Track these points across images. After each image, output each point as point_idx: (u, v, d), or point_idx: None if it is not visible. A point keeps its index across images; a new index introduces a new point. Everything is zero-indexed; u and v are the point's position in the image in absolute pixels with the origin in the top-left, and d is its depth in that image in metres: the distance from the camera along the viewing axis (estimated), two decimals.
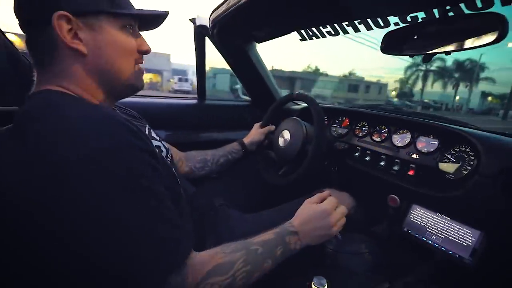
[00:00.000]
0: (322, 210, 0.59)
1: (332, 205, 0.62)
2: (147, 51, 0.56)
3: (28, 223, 0.38)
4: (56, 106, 0.42)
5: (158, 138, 0.70)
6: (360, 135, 1.06)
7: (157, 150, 0.51)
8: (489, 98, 38.88)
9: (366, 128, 1.06)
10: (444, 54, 0.60)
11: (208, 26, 1.00)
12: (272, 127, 1.09)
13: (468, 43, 0.54)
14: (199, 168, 0.95)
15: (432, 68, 33.01)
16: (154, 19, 0.58)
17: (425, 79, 33.29)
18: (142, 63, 0.57)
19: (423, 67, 32.23)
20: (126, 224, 0.39)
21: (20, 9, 0.45)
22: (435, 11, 0.62)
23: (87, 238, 0.39)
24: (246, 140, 1.06)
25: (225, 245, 0.50)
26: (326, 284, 0.53)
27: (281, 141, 0.99)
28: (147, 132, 0.68)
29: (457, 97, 35.71)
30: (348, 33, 0.90)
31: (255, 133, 1.09)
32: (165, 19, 0.59)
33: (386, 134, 0.97)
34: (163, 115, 1.24)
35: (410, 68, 33.72)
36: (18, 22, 0.46)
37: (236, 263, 0.47)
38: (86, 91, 0.49)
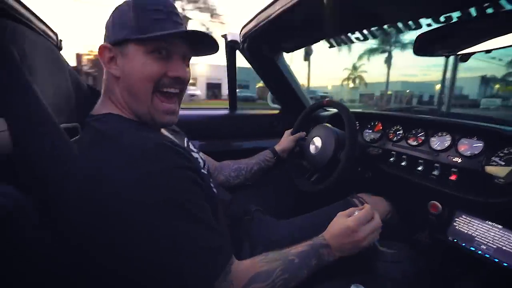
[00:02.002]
0: (347, 227, 0.59)
1: (359, 221, 0.59)
2: (178, 77, 0.54)
3: (83, 236, 0.44)
4: (113, 132, 0.50)
5: (195, 150, 0.75)
6: (395, 139, 1.02)
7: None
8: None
9: (401, 132, 1.02)
10: (484, 53, 0.57)
11: (239, 40, 1.06)
12: (303, 134, 1.10)
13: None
14: (234, 177, 0.98)
15: None
16: (205, 45, 0.57)
17: None
18: (171, 88, 0.55)
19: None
20: (175, 235, 0.44)
21: None
22: (472, 9, 0.60)
23: (138, 249, 0.44)
24: (278, 147, 1.08)
25: (264, 255, 0.54)
26: None
27: (312, 148, 1.00)
28: (185, 145, 0.73)
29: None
30: (377, 37, 0.90)
31: (286, 140, 1.10)
32: (216, 44, 0.57)
33: (423, 138, 0.93)
34: (197, 126, 1.31)
35: None
36: None
37: (275, 271, 0.50)
38: (128, 112, 0.56)
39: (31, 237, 0.38)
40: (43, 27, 0.68)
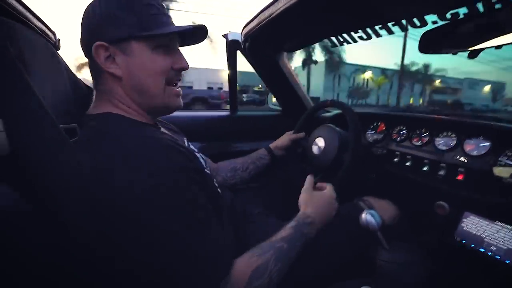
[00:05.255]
0: (331, 197, 0.70)
1: (332, 189, 0.73)
2: (183, 68, 0.57)
3: (83, 237, 0.42)
4: (114, 132, 0.49)
5: (196, 150, 0.73)
6: (398, 139, 1.01)
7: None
8: None
9: (405, 132, 1.01)
10: (494, 48, 0.56)
11: (240, 40, 1.05)
12: (302, 134, 1.09)
13: None
14: (230, 177, 0.96)
15: None
16: (192, 35, 0.59)
17: None
18: (178, 80, 0.58)
19: None
20: (177, 237, 0.43)
21: (80, 45, 0.54)
22: (479, 5, 0.58)
23: (139, 250, 0.43)
24: (272, 145, 1.06)
25: (254, 248, 0.52)
26: None
27: (315, 149, 0.98)
28: (186, 145, 0.72)
29: None
30: (381, 36, 0.88)
31: (283, 138, 1.08)
32: (205, 33, 0.59)
33: (427, 138, 0.92)
34: (197, 127, 1.29)
35: None
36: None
37: (269, 263, 0.50)
38: (132, 110, 0.55)
39: (30, 237, 0.37)
40: (41, 26, 0.66)
